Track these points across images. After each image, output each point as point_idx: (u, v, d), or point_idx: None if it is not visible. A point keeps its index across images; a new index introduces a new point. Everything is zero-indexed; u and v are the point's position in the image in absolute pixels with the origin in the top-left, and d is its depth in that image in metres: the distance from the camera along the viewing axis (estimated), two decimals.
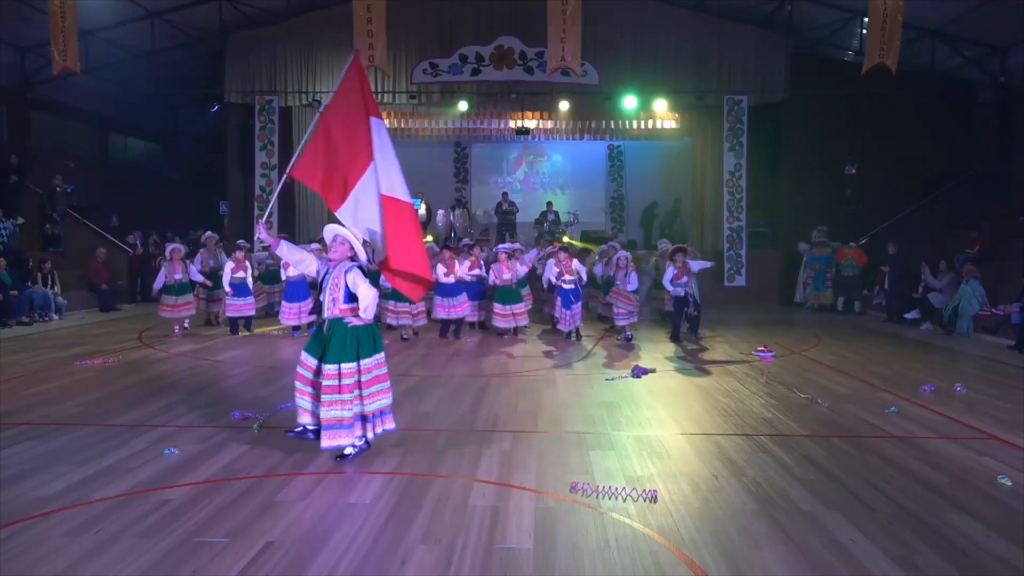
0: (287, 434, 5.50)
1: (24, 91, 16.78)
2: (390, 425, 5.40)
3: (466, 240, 14.63)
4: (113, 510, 4.31)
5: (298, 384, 5.36)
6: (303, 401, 5.34)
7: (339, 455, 5.20)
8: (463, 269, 11.64)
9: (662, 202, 20.84)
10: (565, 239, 17.01)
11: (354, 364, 5.17)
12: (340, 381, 5.13)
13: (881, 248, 15.00)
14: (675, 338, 11.15)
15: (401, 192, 5.48)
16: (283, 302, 11.45)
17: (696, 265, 11.13)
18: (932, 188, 17.56)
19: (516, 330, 11.64)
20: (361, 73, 5.75)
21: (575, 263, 11.45)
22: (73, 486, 4.69)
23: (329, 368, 5.15)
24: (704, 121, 18.72)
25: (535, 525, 4.12)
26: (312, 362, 5.28)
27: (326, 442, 5.13)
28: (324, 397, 5.15)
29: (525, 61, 16.92)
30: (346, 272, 5.22)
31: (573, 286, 11.17)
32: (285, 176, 5.78)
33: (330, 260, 5.34)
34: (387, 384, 5.38)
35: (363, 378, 5.20)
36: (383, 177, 5.43)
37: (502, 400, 7.28)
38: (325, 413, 5.13)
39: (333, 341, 5.18)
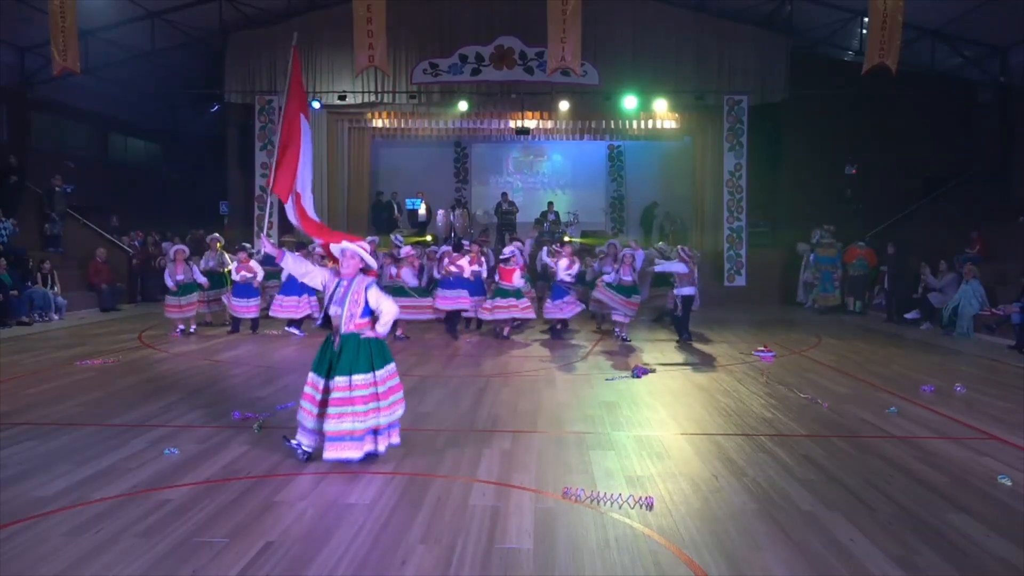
0: (285, 442, 5.45)
1: (24, 91, 16.79)
2: (396, 439, 5.34)
3: (465, 242, 14.64)
4: (113, 510, 4.31)
5: (305, 404, 5.22)
6: (307, 420, 5.18)
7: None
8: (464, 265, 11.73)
9: (662, 202, 20.83)
10: (566, 239, 17.04)
11: (369, 375, 5.11)
12: (352, 393, 5.04)
13: (881, 248, 15.00)
14: (686, 336, 11.13)
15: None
16: (279, 295, 11.46)
17: (670, 266, 11.21)
18: (932, 188, 17.57)
19: (515, 321, 11.62)
20: (299, 66, 6.29)
21: (564, 259, 11.53)
22: (73, 486, 4.69)
23: (340, 380, 5.05)
24: (704, 121, 18.70)
25: (535, 525, 4.12)
26: (321, 382, 5.17)
27: (330, 454, 5.05)
28: (332, 410, 5.03)
29: (525, 61, 16.91)
30: (367, 288, 5.20)
31: (572, 279, 11.43)
32: (271, 194, 6.01)
33: (341, 274, 5.27)
34: (401, 394, 5.35)
35: (380, 389, 5.14)
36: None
37: (502, 400, 7.28)
38: (334, 426, 5.01)
39: (344, 354, 5.11)
